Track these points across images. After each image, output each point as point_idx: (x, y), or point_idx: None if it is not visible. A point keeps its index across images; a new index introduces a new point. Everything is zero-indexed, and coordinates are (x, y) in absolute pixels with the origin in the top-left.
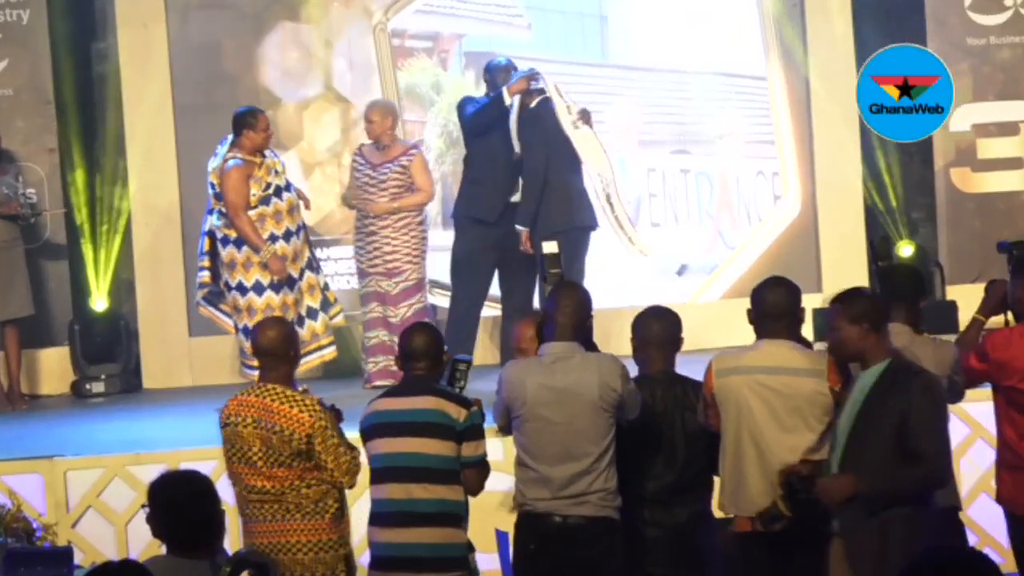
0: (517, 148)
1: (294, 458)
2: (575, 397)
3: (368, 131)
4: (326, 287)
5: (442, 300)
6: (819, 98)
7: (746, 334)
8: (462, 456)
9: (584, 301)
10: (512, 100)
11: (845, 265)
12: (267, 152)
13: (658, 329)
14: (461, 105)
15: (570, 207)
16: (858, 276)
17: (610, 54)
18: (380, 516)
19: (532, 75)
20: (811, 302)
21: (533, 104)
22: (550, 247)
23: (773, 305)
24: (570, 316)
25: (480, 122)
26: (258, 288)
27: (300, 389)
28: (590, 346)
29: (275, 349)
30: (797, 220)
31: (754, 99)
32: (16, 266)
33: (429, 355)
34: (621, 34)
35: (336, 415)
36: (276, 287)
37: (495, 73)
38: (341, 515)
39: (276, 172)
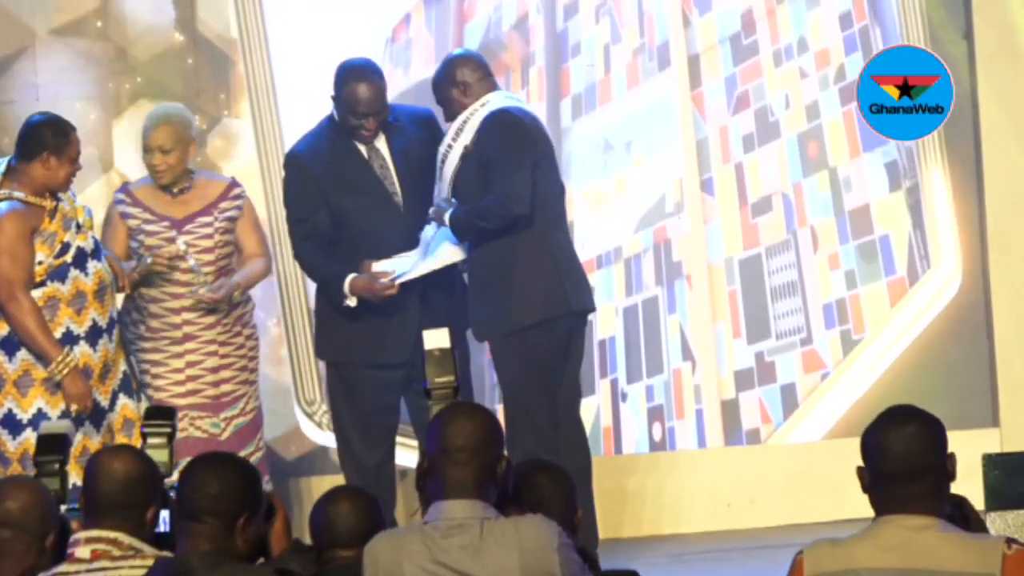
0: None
1: None
2: None
3: (157, 170)
4: None
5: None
6: (990, 115)
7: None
8: None
9: (489, 431)
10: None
11: None
12: (62, 194)
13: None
14: (290, 198)
15: (559, 279)
16: None
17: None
18: None
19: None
20: (982, 442)
21: (483, 109)
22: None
23: (900, 459)
24: (470, 457)
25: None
26: (40, 422)
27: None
28: (508, 506)
29: (21, 526)
30: (955, 304)
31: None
32: None
33: (362, 537)
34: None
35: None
36: (73, 422)
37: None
38: None
39: (78, 226)
